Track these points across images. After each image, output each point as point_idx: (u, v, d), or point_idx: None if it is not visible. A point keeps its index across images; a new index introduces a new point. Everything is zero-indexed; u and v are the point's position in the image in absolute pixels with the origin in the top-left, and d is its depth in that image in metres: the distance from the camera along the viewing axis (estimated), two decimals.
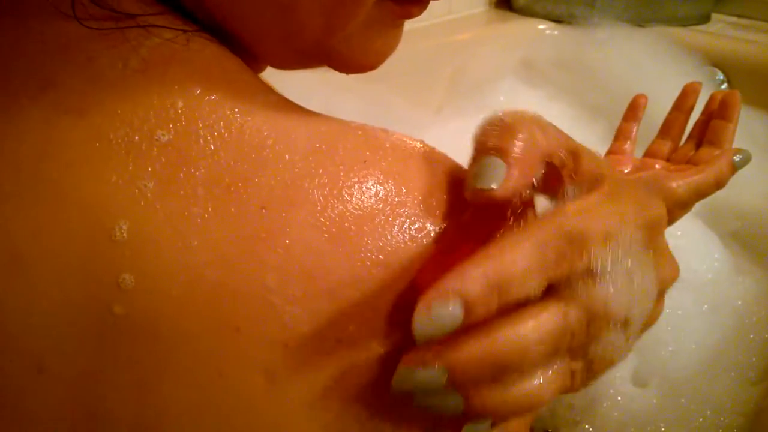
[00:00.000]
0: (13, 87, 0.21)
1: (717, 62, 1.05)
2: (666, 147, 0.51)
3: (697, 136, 0.50)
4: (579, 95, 1.03)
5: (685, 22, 1.14)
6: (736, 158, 0.44)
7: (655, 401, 0.55)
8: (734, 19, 1.19)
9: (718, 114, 0.48)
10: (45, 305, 0.19)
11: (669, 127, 0.52)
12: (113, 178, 0.20)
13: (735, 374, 0.58)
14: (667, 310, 0.61)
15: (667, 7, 1.14)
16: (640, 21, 1.13)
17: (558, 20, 1.18)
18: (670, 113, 0.52)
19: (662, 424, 0.54)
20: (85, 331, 0.19)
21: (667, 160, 0.51)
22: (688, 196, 0.42)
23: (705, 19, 1.17)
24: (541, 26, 1.19)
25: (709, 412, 0.54)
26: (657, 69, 1.00)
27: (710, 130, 0.48)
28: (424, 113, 1.00)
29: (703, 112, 0.51)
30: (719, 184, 0.43)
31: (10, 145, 0.21)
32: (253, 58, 0.28)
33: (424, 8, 0.28)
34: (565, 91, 1.04)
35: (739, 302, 0.64)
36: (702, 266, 0.67)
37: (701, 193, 0.43)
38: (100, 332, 0.19)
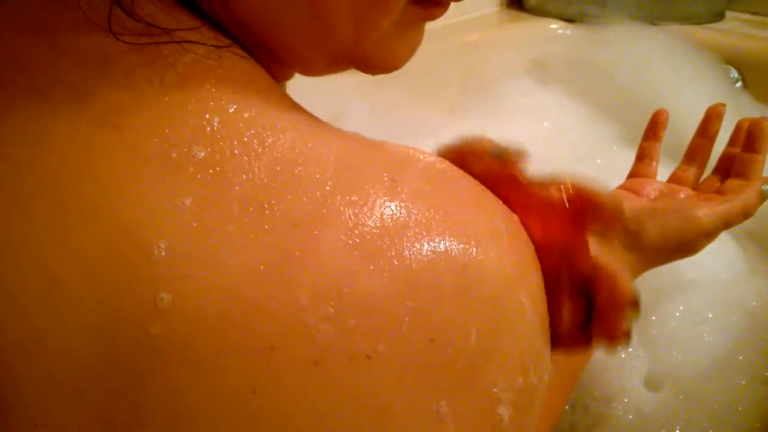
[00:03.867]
0: (51, 100, 0.21)
1: (731, 60, 1.04)
2: (691, 173, 0.50)
3: (724, 168, 0.49)
4: (592, 94, 1.02)
5: (698, 19, 1.14)
6: (765, 187, 0.44)
7: (668, 403, 0.55)
8: (748, 16, 1.18)
9: (746, 146, 0.46)
10: (82, 327, 0.19)
11: (694, 153, 0.51)
12: (151, 196, 0.20)
13: (749, 375, 0.58)
14: (678, 314, 0.61)
15: (681, 4, 1.13)
16: (652, 19, 1.12)
17: (570, 19, 1.18)
18: (695, 138, 0.51)
19: (677, 427, 0.53)
20: (121, 352, 0.19)
21: (693, 187, 0.49)
22: (714, 225, 0.42)
23: (719, 16, 1.16)
24: (553, 26, 1.19)
25: (723, 412, 0.54)
26: (670, 68, 1.00)
27: (738, 161, 0.47)
28: (437, 114, 1.00)
29: (730, 143, 0.49)
30: (747, 214, 0.43)
31: (47, 160, 0.21)
32: (282, 66, 0.28)
33: (446, 9, 0.29)
34: (577, 90, 1.04)
35: (754, 303, 0.64)
36: (716, 267, 0.66)
37: (728, 222, 0.43)
38: (135, 353, 0.19)
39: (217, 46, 0.23)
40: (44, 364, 0.19)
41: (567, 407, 0.56)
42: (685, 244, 0.42)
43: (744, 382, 0.57)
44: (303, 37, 0.26)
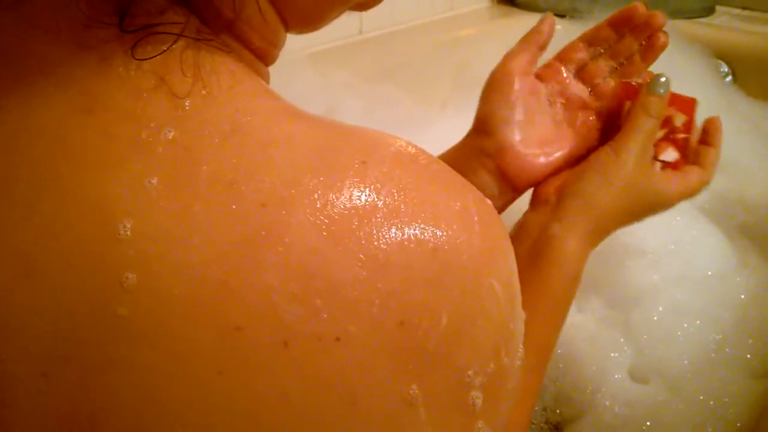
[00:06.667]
0: (31, 87, 0.22)
1: (721, 54, 1.04)
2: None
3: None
4: None
5: (689, 14, 1.14)
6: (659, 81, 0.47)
7: (655, 395, 0.55)
8: (738, 10, 1.19)
9: (703, 140, 0.51)
10: (53, 309, 0.19)
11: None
12: (119, 176, 0.20)
13: (737, 368, 0.58)
14: (663, 307, 0.61)
15: None
16: None
17: (561, 15, 1.18)
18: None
19: (664, 419, 0.54)
20: (90, 333, 0.19)
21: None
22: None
23: (709, 11, 1.17)
24: None
25: (711, 405, 0.54)
26: (661, 62, 0.99)
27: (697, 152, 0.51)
28: (429, 110, 1.00)
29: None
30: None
31: (25, 146, 0.21)
32: (273, 46, 0.29)
33: None
34: None
35: (743, 296, 0.64)
36: (705, 260, 0.67)
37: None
38: (103, 335, 0.19)
39: (197, 39, 0.24)
40: (18, 346, 0.19)
41: (552, 399, 0.57)
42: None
43: (732, 375, 0.57)
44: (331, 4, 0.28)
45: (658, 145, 0.48)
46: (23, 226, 0.20)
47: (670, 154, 0.48)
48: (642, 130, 0.46)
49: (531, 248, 0.45)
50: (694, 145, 0.51)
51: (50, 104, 0.21)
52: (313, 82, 0.83)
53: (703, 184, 0.50)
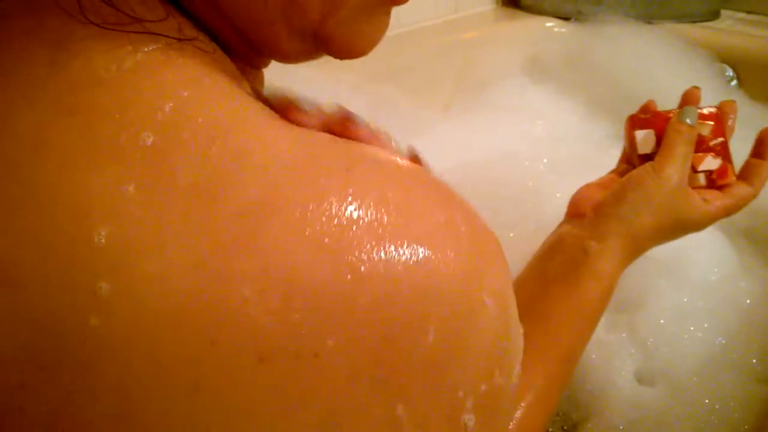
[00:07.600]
0: (10, 87, 0.21)
1: (726, 59, 1.04)
2: None
3: None
4: (587, 92, 1.02)
5: (693, 18, 1.14)
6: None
7: (662, 398, 0.55)
8: (743, 15, 1.18)
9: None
10: (29, 319, 0.19)
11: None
12: (96, 182, 0.19)
13: (744, 372, 0.58)
14: (669, 311, 0.60)
15: (676, 3, 1.13)
16: (648, 18, 1.12)
17: (565, 17, 1.18)
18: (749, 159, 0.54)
19: (671, 422, 0.53)
20: (64, 345, 0.18)
21: None
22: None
23: (714, 15, 1.16)
24: (549, 23, 1.19)
25: (718, 406, 0.54)
26: (666, 66, 1.00)
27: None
28: (432, 111, 1.00)
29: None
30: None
31: (4, 147, 0.20)
32: (255, 53, 0.28)
33: None
34: (572, 88, 1.04)
35: (747, 301, 0.64)
36: (709, 264, 0.66)
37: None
38: (78, 347, 0.18)
39: (180, 39, 0.23)
40: None
41: (566, 402, 0.56)
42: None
43: (737, 379, 0.57)
44: (273, 14, 0.26)
45: (694, 158, 0.49)
46: (3, 231, 0.19)
47: (711, 163, 0.49)
48: (679, 153, 0.46)
49: (567, 261, 0.45)
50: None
51: (32, 106, 0.21)
52: (317, 84, 0.83)
53: (747, 199, 0.49)
